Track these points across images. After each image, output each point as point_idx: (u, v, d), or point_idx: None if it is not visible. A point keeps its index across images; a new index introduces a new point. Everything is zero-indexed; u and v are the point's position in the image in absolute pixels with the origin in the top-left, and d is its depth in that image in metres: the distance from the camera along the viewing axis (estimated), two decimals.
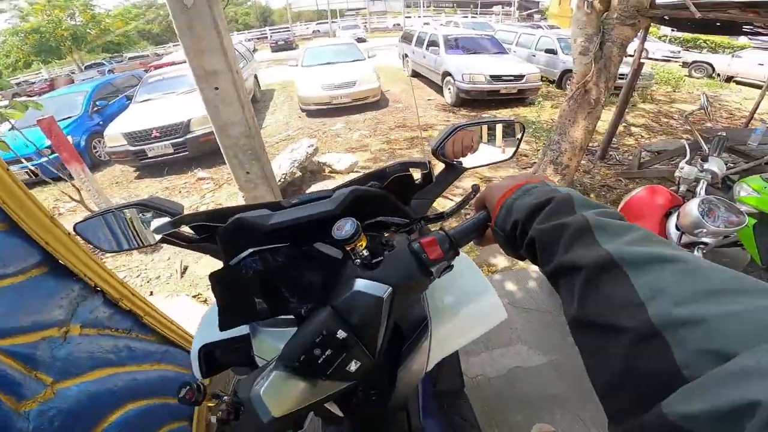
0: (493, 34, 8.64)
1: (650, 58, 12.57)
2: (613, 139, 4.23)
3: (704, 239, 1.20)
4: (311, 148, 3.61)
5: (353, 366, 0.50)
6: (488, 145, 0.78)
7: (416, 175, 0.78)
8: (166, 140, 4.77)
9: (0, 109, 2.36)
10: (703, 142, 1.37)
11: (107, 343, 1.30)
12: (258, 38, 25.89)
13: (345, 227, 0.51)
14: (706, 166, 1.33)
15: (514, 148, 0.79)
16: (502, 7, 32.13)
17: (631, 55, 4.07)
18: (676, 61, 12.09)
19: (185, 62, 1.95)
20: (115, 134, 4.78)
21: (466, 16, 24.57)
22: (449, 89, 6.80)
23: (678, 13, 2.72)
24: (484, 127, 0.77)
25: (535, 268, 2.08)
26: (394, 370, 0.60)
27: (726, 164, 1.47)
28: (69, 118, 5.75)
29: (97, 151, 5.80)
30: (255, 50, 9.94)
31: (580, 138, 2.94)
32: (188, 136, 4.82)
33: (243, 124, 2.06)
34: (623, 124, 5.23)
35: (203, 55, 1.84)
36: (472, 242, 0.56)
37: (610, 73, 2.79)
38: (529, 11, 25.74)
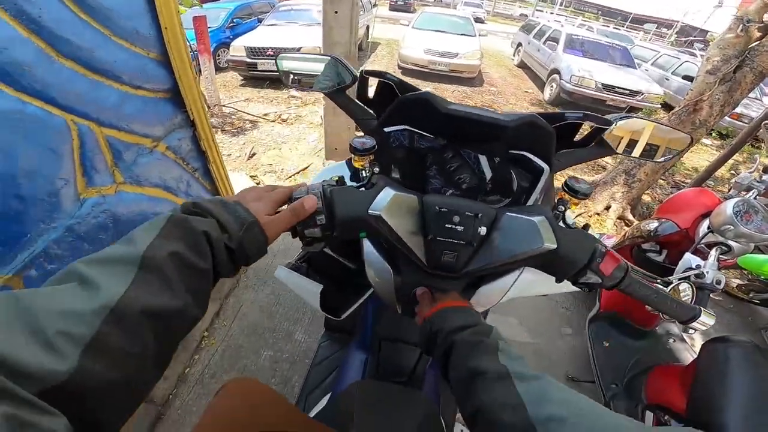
0: (627, 47, 7.80)
1: None
2: (710, 181, 3.75)
3: (729, 242, 1.15)
4: None
5: (453, 256, 0.54)
6: (647, 144, 0.76)
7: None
8: None
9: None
10: None
11: (176, 171, 1.55)
12: None
13: (583, 185, 0.56)
14: (764, 177, 1.25)
15: (670, 156, 0.78)
16: (657, 27, 28.29)
17: None
18: None
19: None
20: (239, 46, 5.51)
21: (608, 26, 22.11)
22: (552, 87, 6.45)
23: None
24: (654, 126, 0.74)
25: None
26: (476, 287, 0.60)
27: None
28: (210, 27, 6.60)
29: (219, 59, 6.61)
30: (375, 5, 10.22)
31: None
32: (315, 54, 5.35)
33: (347, 46, 2.33)
34: (732, 171, 4.58)
35: None
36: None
37: (732, 98, 2.55)
38: (691, 38, 22.17)
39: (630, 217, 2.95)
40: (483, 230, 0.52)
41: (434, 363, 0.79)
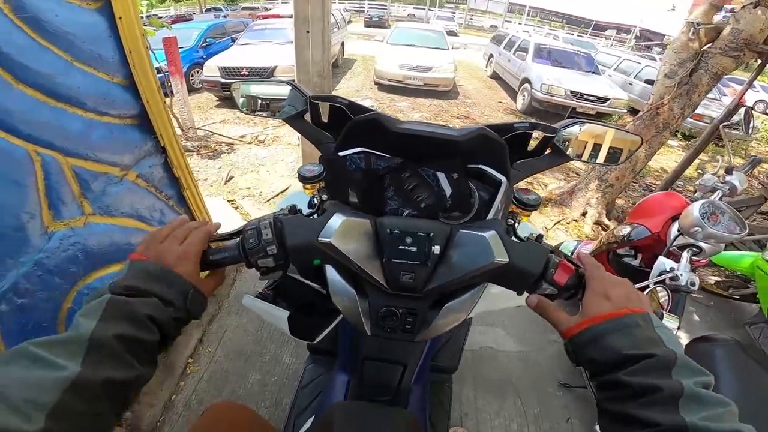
0: (591, 54, 8.18)
1: None
2: (680, 182, 3.92)
3: (700, 243, 1.20)
4: (372, 107, 3.86)
5: (411, 277, 0.53)
6: (601, 148, 0.76)
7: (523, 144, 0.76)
8: None
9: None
10: (730, 156, 1.35)
11: (148, 200, 1.51)
12: (355, 10, 26.34)
13: (531, 196, 0.56)
14: (728, 177, 1.31)
15: (623, 157, 0.77)
16: (618, 32, 29.86)
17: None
18: None
19: (287, 17, 2.25)
20: (212, 66, 5.50)
21: (572, 34, 23.20)
22: (524, 96, 6.67)
23: None
24: (607, 130, 0.74)
25: None
26: (442, 304, 0.60)
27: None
28: (181, 48, 6.55)
29: (192, 80, 6.55)
30: (349, 21, 10.43)
31: (634, 159, 2.83)
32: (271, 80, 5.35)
33: (320, 65, 2.34)
34: (699, 170, 4.80)
35: (306, 1, 2.10)
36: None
37: (690, 100, 2.66)
38: (649, 42, 23.50)
39: (606, 221, 3.04)
40: (437, 249, 0.52)
41: (419, 378, 0.78)
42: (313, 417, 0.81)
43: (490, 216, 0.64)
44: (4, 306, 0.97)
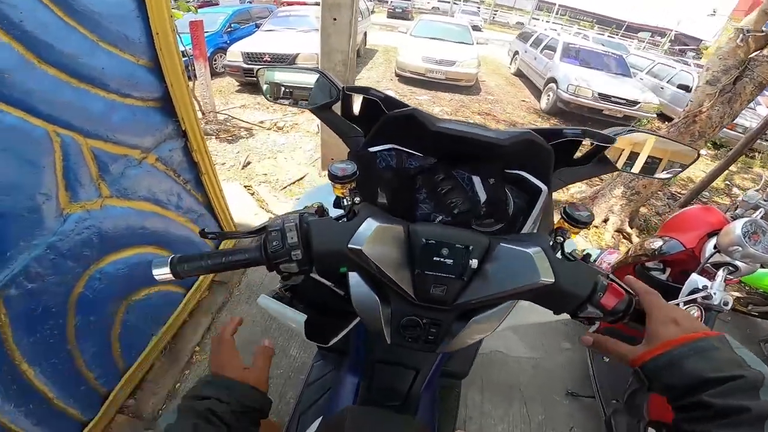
0: (623, 55, 7.87)
1: None
2: (706, 192, 3.75)
3: (736, 262, 1.14)
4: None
5: (444, 290, 0.50)
6: (648, 158, 0.71)
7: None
8: None
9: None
10: None
11: (167, 183, 1.50)
12: (379, 0, 26.08)
13: (583, 213, 0.51)
14: None
15: (674, 171, 0.72)
16: (652, 35, 28.80)
17: None
18: None
19: (312, 4, 2.20)
20: (235, 51, 5.51)
21: (602, 34, 22.43)
22: (548, 96, 6.48)
23: None
24: (657, 140, 0.69)
25: None
26: (468, 317, 0.56)
27: None
28: (207, 32, 6.57)
29: (215, 64, 6.59)
30: (372, 11, 10.32)
31: None
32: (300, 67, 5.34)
33: (344, 53, 2.31)
34: (727, 182, 4.58)
35: None
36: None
37: (731, 109, 2.54)
38: (684, 47, 22.59)
39: (628, 229, 2.93)
40: (474, 263, 0.49)
41: (429, 383, 0.75)
42: (320, 418, 0.79)
43: (527, 226, 0.60)
44: (13, 290, 0.95)
